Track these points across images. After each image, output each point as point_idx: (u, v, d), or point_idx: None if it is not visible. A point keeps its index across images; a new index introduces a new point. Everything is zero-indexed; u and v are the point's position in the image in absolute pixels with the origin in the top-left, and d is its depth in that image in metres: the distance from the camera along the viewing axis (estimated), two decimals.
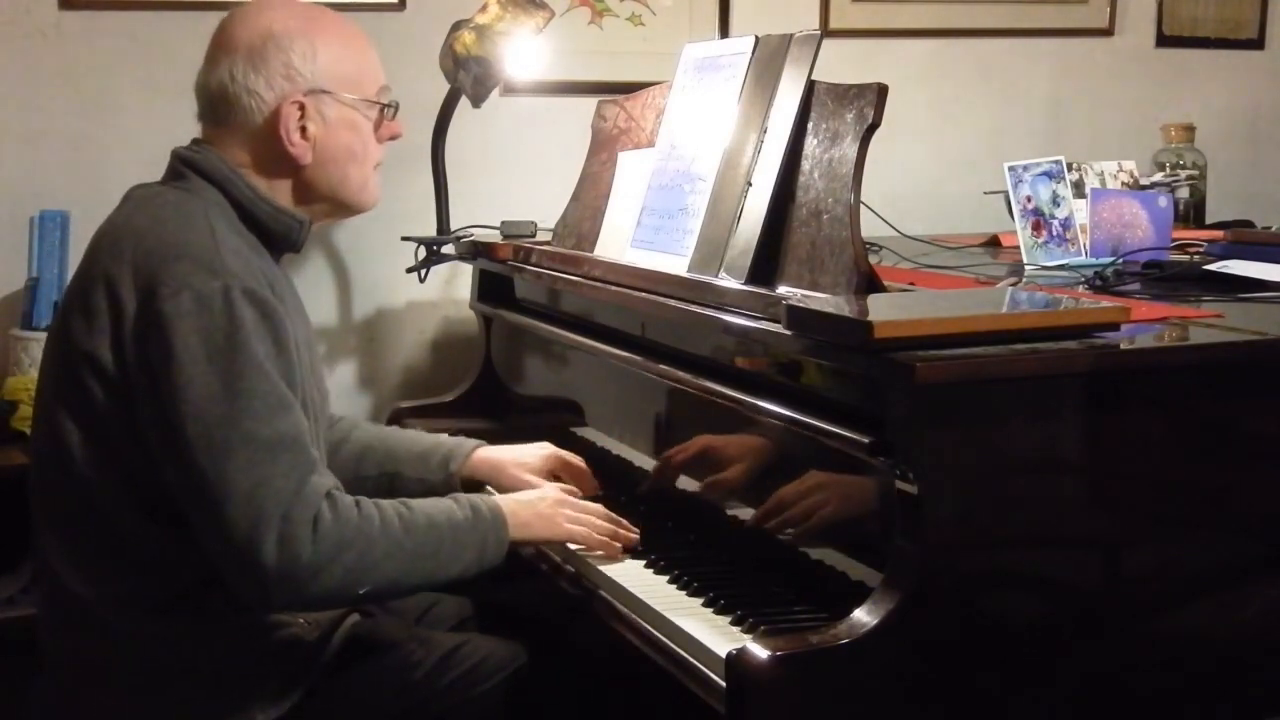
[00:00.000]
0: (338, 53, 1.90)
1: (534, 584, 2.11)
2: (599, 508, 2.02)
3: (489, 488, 2.14)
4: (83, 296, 1.79)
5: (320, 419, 1.96)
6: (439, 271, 3.01)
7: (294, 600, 1.77)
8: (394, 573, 1.79)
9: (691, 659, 1.65)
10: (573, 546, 1.99)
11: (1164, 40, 3.80)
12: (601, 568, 1.93)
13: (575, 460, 2.20)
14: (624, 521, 2.01)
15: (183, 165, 1.89)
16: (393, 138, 1.99)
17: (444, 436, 2.26)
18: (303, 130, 1.88)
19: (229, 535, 1.70)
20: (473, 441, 2.22)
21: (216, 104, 1.89)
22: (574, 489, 2.12)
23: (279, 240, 1.92)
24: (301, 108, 1.87)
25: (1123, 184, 2.82)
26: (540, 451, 2.20)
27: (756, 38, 2.13)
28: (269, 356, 1.74)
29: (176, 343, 1.70)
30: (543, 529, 1.96)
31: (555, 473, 2.18)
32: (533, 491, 2.06)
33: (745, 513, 1.93)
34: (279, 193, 1.91)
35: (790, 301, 1.73)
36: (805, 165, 1.96)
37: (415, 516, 1.82)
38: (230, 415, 1.70)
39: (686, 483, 2.10)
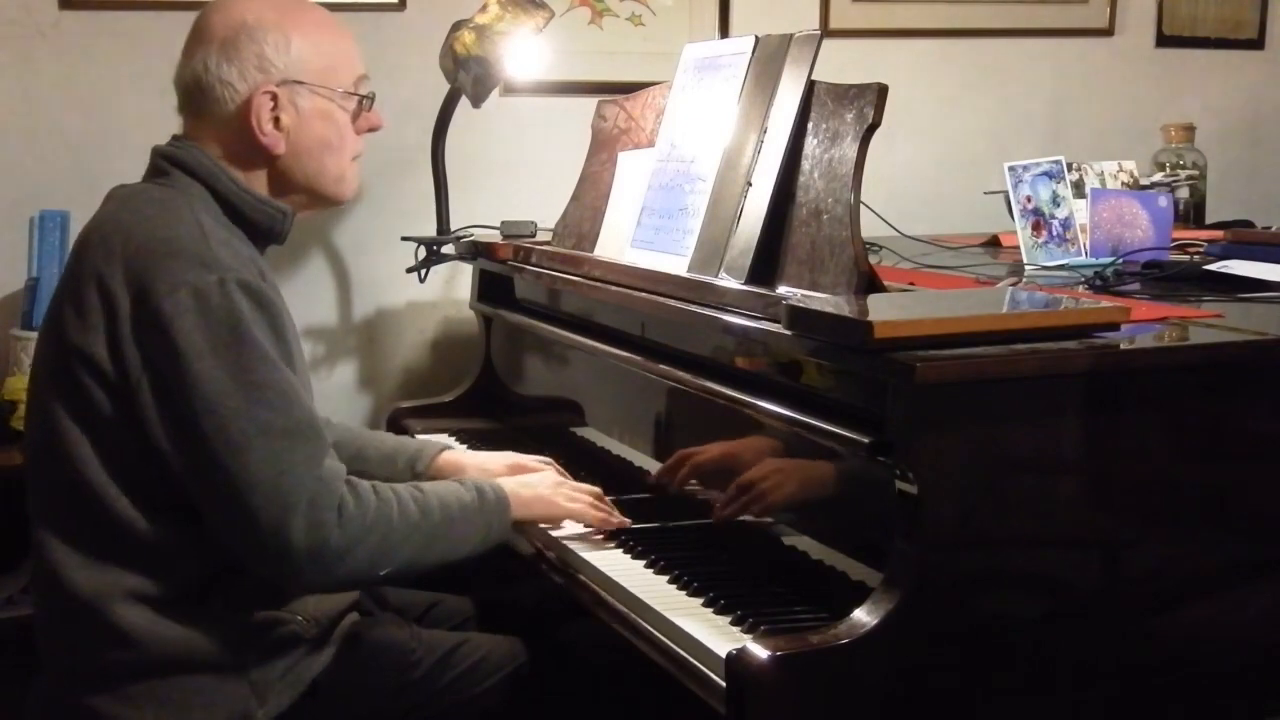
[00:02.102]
0: (312, 44, 1.90)
1: (534, 584, 2.12)
2: (594, 489, 2.07)
3: None
4: (74, 295, 1.79)
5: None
6: (439, 271, 3.02)
7: (322, 583, 1.82)
8: (411, 554, 1.83)
9: (691, 659, 1.65)
10: (559, 533, 2.02)
11: (1164, 40, 3.80)
12: (602, 567, 1.93)
13: (539, 466, 2.21)
14: (614, 510, 2.05)
15: (164, 161, 1.90)
16: (372, 129, 1.99)
17: (409, 438, 2.31)
18: (276, 121, 1.88)
19: (256, 525, 1.72)
20: (438, 444, 2.26)
21: (192, 95, 1.90)
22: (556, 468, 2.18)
23: (263, 232, 1.92)
24: (274, 98, 1.87)
25: (1123, 184, 2.82)
26: (504, 459, 2.22)
27: (756, 38, 2.13)
28: (271, 345, 1.76)
29: (180, 340, 1.71)
30: (542, 509, 2.02)
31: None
32: (532, 475, 2.10)
33: (745, 512, 1.93)
34: (256, 184, 1.91)
35: (790, 301, 1.73)
36: (805, 165, 1.96)
37: (428, 500, 1.87)
38: (244, 408, 1.72)
39: (686, 483, 2.10)
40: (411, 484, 1.91)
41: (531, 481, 2.06)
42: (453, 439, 2.66)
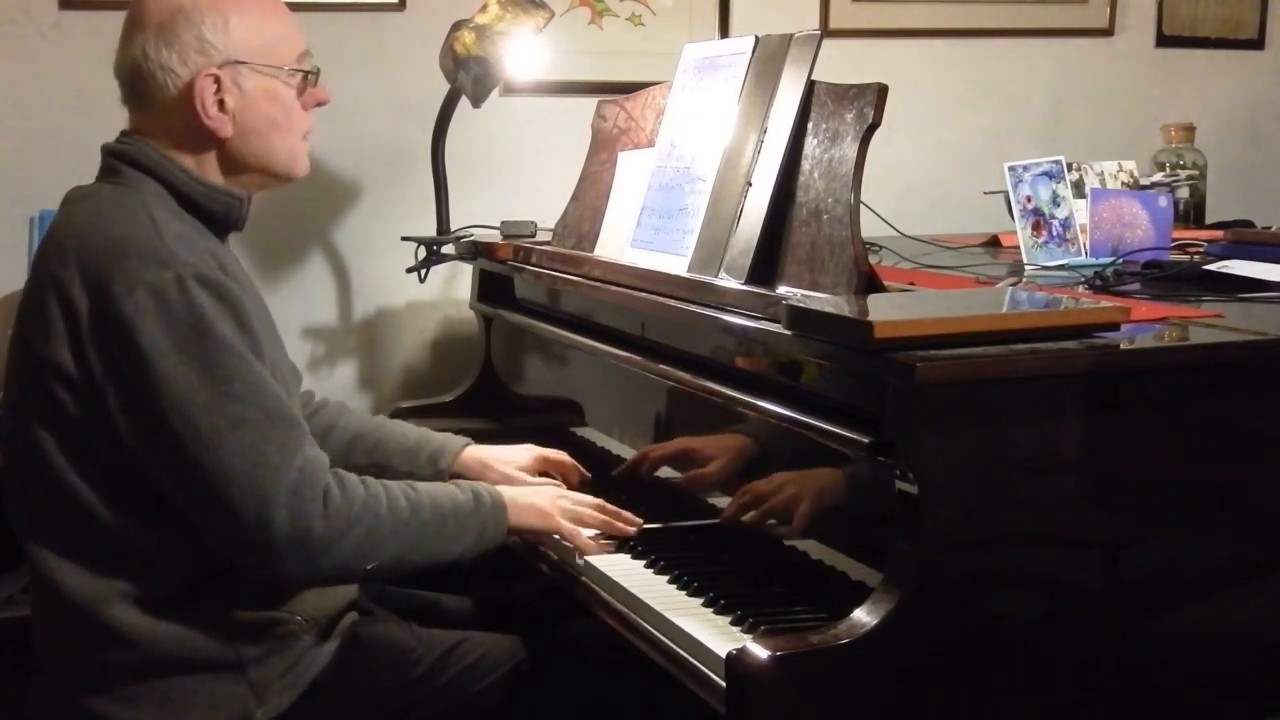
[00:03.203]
0: (251, 22, 1.88)
1: (533, 583, 2.12)
2: (596, 501, 2.05)
3: None
4: (35, 304, 1.78)
5: (294, 394, 1.96)
6: (439, 271, 3.02)
7: (307, 574, 1.80)
8: (400, 550, 1.83)
9: (691, 659, 1.65)
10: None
11: (1164, 40, 3.80)
12: (602, 567, 1.93)
13: (559, 456, 2.22)
14: (624, 514, 2.03)
15: (114, 159, 1.89)
16: (319, 104, 1.97)
17: (431, 432, 2.28)
18: (221, 104, 1.86)
19: (237, 518, 1.72)
20: (461, 439, 2.26)
21: (134, 83, 1.88)
22: (560, 482, 2.18)
23: (220, 220, 1.91)
24: (217, 80, 1.85)
25: (1123, 184, 2.81)
26: (527, 453, 2.22)
27: (756, 38, 2.13)
28: (236, 338, 1.75)
29: (143, 341, 1.70)
30: (538, 520, 2.00)
31: (542, 470, 2.22)
32: (530, 487, 2.10)
33: (744, 512, 1.93)
34: (208, 169, 1.90)
35: (790, 301, 1.73)
36: (805, 165, 1.96)
37: (420, 497, 1.87)
38: (213, 403, 1.71)
39: (687, 483, 2.10)
40: (405, 482, 1.90)
41: (529, 492, 2.04)
42: None
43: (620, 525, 2.01)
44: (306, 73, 1.94)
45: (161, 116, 1.87)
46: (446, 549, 1.88)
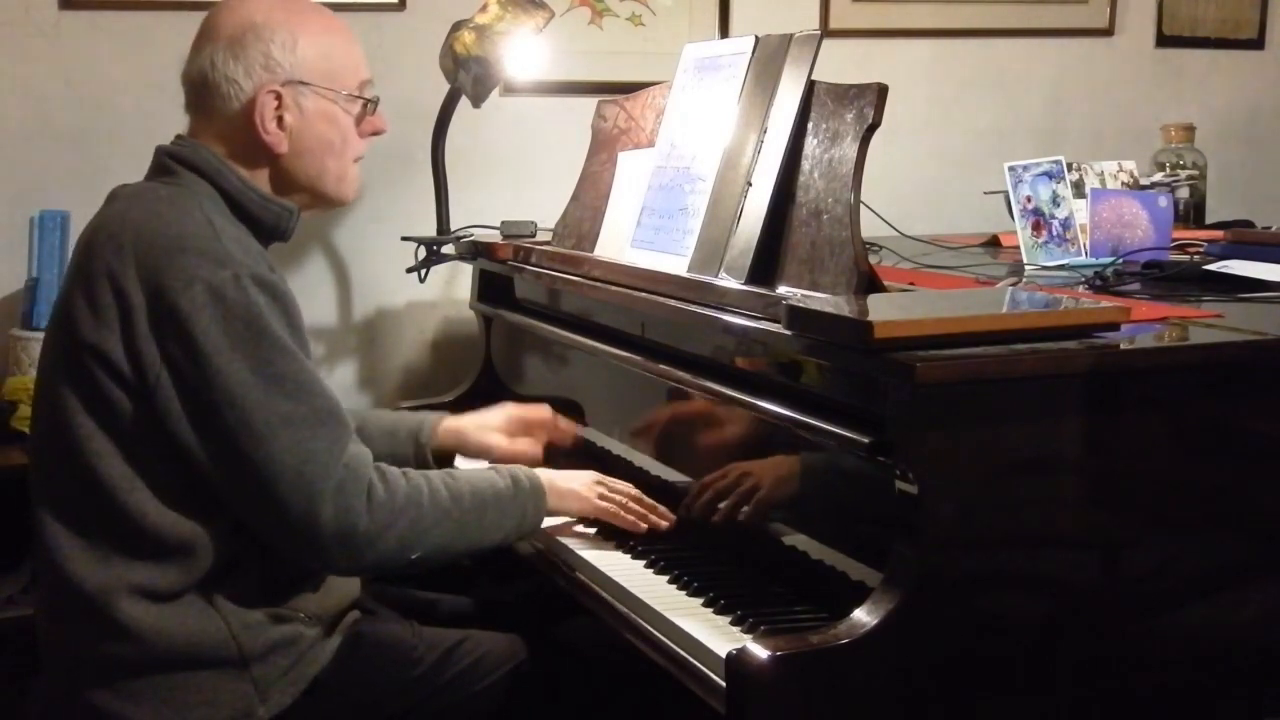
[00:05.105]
0: (318, 46, 1.92)
1: (534, 583, 2.12)
2: (633, 491, 2.07)
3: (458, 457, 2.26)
4: (86, 291, 1.80)
5: None
6: (439, 271, 3.02)
7: (353, 567, 1.87)
8: (443, 539, 1.87)
9: (691, 659, 1.65)
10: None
11: (1164, 40, 3.80)
12: (601, 567, 1.93)
13: (538, 412, 2.24)
14: (659, 507, 2.05)
15: (170, 160, 1.91)
16: (375, 133, 2.01)
17: (408, 412, 2.33)
18: (280, 120, 1.90)
19: (285, 513, 1.76)
20: (436, 414, 2.29)
21: (198, 91, 1.92)
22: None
23: (268, 229, 1.94)
24: (279, 97, 1.89)
25: (1123, 184, 2.81)
26: (501, 413, 2.26)
27: (756, 38, 2.14)
28: (289, 337, 1.79)
29: (198, 336, 1.74)
30: (575, 504, 2.05)
31: (521, 430, 2.27)
32: (568, 471, 2.13)
33: (745, 512, 1.93)
34: (259, 182, 1.93)
35: (790, 301, 1.73)
36: (805, 165, 1.96)
37: (460, 486, 1.91)
38: (266, 400, 1.75)
39: (685, 483, 2.10)
40: (444, 470, 1.96)
41: (569, 475, 2.09)
42: None
43: (654, 519, 2.04)
44: (366, 100, 1.97)
45: (221, 126, 1.91)
46: (488, 536, 1.93)
